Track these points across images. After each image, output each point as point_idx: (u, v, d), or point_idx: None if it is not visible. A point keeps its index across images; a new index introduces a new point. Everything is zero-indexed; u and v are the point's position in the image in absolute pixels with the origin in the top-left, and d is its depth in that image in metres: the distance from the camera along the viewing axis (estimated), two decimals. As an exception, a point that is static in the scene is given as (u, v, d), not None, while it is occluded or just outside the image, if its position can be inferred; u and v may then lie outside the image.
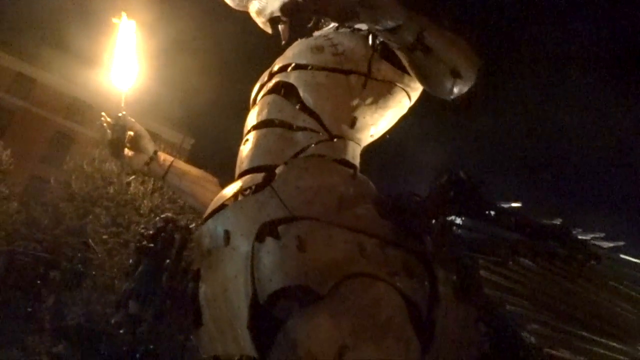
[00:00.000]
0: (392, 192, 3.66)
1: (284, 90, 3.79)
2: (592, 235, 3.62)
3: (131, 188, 23.51)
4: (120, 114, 4.27)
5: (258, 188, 3.40)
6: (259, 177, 3.47)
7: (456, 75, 3.29)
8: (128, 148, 4.34)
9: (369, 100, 3.69)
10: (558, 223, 3.43)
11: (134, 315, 3.32)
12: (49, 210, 21.55)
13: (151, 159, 4.38)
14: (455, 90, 3.39)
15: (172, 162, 4.46)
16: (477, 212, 3.30)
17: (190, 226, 3.70)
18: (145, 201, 22.77)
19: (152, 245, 3.54)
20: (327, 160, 3.59)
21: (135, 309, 3.32)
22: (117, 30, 4.42)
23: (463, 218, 3.34)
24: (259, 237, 3.17)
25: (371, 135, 3.87)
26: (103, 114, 4.35)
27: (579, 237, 3.45)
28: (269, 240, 3.09)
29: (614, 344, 3.00)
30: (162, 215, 3.76)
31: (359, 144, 3.77)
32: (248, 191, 3.49)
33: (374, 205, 3.51)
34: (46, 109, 23.86)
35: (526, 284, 2.97)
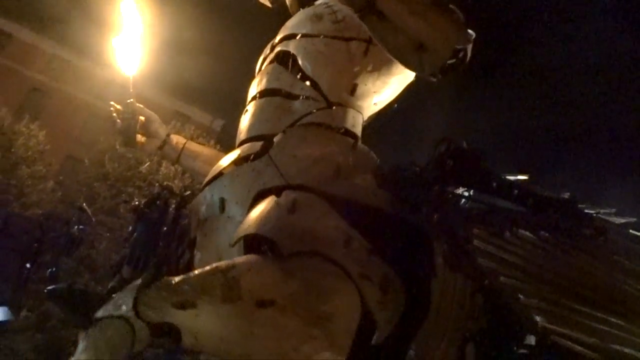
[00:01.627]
0: (394, 163, 3.59)
1: (284, 60, 3.73)
2: (602, 211, 3.47)
3: (162, 168, 23.98)
4: (129, 101, 4.22)
5: (256, 156, 3.38)
6: (257, 145, 3.45)
7: (422, 49, 3.06)
8: (140, 134, 4.32)
9: (370, 67, 3.59)
10: (565, 196, 3.30)
11: (127, 280, 3.37)
12: (84, 190, 22.22)
13: (164, 142, 4.35)
14: (426, 66, 3.15)
15: (184, 144, 4.43)
16: (477, 182, 3.19)
17: (186, 194, 3.71)
18: (176, 181, 23.20)
19: (147, 211, 3.57)
20: (326, 130, 3.53)
21: (128, 273, 3.37)
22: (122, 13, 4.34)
23: (462, 188, 3.25)
24: (254, 205, 3.16)
25: (375, 104, 3.78)
26: (112, 102, 4.32)
27: (587, 211, 3.31)
28: (264, 201, 3.08)
29: (620, 322, 2.86)
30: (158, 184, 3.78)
31: (360, 112, 3.68)
32: (246, 159, 3.47)
33: (373, 176, 3.45)
34: (80, 90, 24.47)
35: (524, 257, 2.86)
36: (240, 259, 2.78)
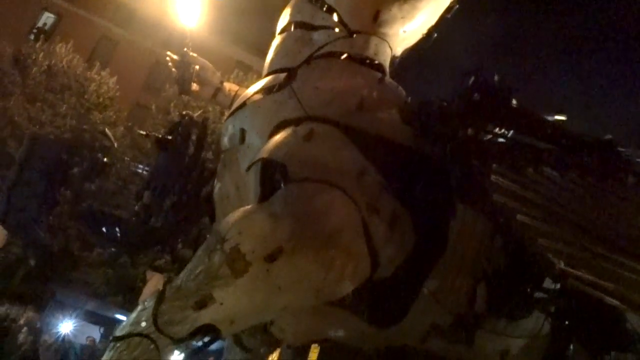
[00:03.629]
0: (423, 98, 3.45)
1: None
2: None
3: (225, 116, 24.36)
4: (184, 50, 4.31)
5: (279, 88, 3.36)
6: (280, 77, 3.41)
7: None
8: (195, 82, 4.41)
9: None
10: (605, 138, 3.06)
11: (148, 206, 3.48)
12: (151, 135, 23.01)
13: (217, 90, 4.40)
14: None
15: (237, 91, 4.48)
16: (505, 118, 3.01)
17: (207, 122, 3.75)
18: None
19: (169, 138, 3.64)
20: (352, 62, 3.43)
21: (148, 199, 3.47)
22: None
23: (491, 125, 3.07)
24: (273, 136, 3.16)
25: (404, 32, 3.60)
26: (168, 52, 4.43)
27: (627, 155, 3.05)
28: (283, 130, 3.08)
29: None
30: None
31: (384, 40, 3.52)
32: (269, 91, 3.45)
33: (398, 111, 3.34)
34: (146, 39, 25.13)
35: (547, 196, 2.68)
36: (223, 224, 2.74)
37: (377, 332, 3.14)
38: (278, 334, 3.30)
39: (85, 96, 20.75)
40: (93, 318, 16.04)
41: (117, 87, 21.99)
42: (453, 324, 2.94)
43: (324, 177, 2.78)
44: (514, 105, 3.04)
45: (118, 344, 2.46)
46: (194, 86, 4.34)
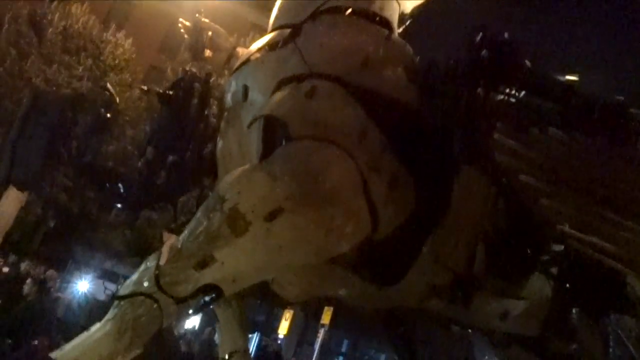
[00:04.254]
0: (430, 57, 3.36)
1: None
2: None
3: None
4: (197, 16, 4.27)
5: (284, 43, 3.29)
6: (285, 32, 3.34)
7: None
8: (208, 49, 4.38)
9: None
10: (616, 99, 2.96)
11: (150, 162, 3.49)
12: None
13: (230, 56, 4.39)
14: None
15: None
16: (513, 77, 2.93)
17: (212, 80, 3.72)
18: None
19: (169, 93, 3.62)
20: (359, 19, 3.33)
21: (151, 154, 3.48)
22: None
23: (500, 84, 2.99)
24: (275, 92, 3.12)
25: None
26: (180, 19, 4.39)
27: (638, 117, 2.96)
28: (286, 87, 3.04)
29: None
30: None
31: None
32: (273, 47, 3.39)
33: (404, 70, 3.26)
34: (161, 1, 24.86)
35: (552, 157, 2.63)
36: (221, 184, 2.72)
37: (376, 291, 3.16)
38: (278, 291, 3.34)
39: (102, 58, 20.76)
40: (113, 277, 16.49)
41: (133, 49, 22.01)
42: (451, 284, 2.94)
43: (324, 135, 2.74)
44: (524, 64, 2.95)
45: (122, 303, 2.48)
46: (207, 52, 4.34)
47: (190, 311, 2.63)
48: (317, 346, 14.13)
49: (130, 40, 22.03)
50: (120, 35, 21.91)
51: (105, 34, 21.48)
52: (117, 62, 21.28)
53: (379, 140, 2.87)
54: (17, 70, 18.53)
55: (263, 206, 2.54)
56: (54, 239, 17.53)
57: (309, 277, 3.18)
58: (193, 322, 15.68)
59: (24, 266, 10.83)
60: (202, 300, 2.55)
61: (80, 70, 19.80)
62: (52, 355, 2.37)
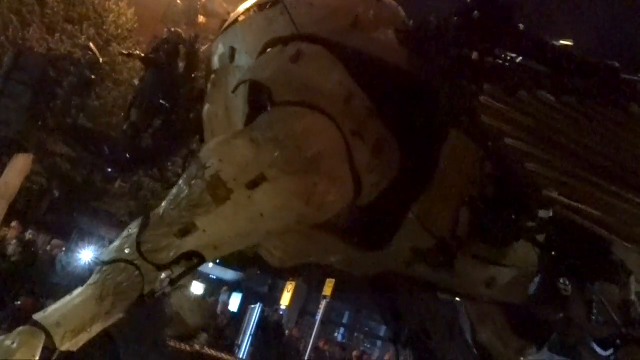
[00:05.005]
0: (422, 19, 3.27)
1: None
2: None
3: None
4: None
5: (272, 4, 3.21)
6: None
7: None
8: (201, 14, 4.30)
9: None
10: (609, 63, 2.87)
11: (135, 124, 3.45)
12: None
13: (224, 21, 4.29)
14: None
15: None
16: (505, 38, 2.84)
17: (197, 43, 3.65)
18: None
19: (153, 56, 3.56)
20: None
21: (135, 116, 3.44)
22: None
23: (491, 46, 2.90)
24: (262, 55, 3.06)
25: None
26: None
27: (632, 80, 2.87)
28: (272, 50, 2.98)
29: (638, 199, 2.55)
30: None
31: None
32: (262, 7, 3.31)
33: (395, 32, 3.18)
34: (166, -31, 24.54)
35: (540, 120, 2.56)
36: (204, 151, 2.70)
37: (363, 256, 3.15)
38: (266, 256, 3.33)
39: (104, 27, 20.58)
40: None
41: (136, 18, 21.76)
42: (434, 247, 2.92)
43: (309, 100, 2.70)
44: (517, 26, 2.86)
45: (105, 268, 2.48)
46: (201, 18, 4.25)
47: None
48: (318, 317, 14.28)
49: (132, 10, 21.79)
50: (123, 4, 21.61)
51: (107, 3, 21.20)
52: (120, 31, 21.07)
53: (365, 105, 2.82)
54: (20, 39, 18.38)
55: (245, 174, 2.53)
56: (59, 209, 17.66)
57: (295, 242, 3.18)
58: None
59: (27, 235, 10.91)
60: (184, 267, 2.55)
61: (83, 39, 19.61)
62: (34, 316, 2.38)
